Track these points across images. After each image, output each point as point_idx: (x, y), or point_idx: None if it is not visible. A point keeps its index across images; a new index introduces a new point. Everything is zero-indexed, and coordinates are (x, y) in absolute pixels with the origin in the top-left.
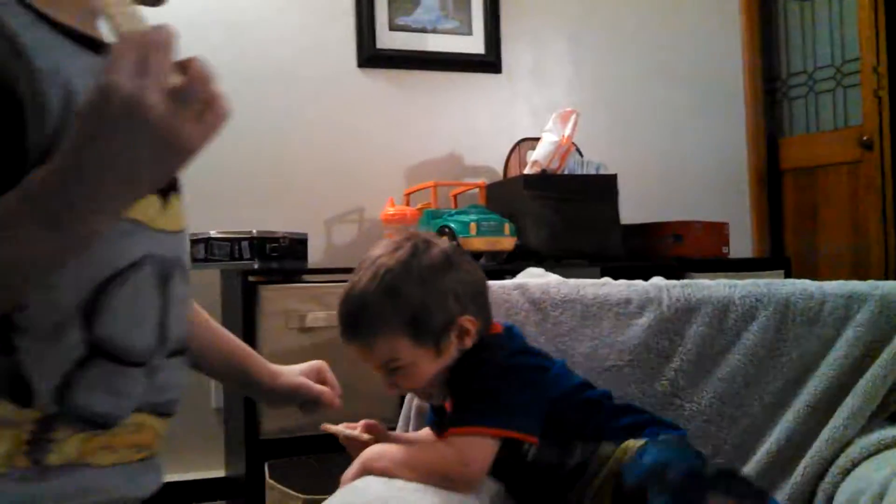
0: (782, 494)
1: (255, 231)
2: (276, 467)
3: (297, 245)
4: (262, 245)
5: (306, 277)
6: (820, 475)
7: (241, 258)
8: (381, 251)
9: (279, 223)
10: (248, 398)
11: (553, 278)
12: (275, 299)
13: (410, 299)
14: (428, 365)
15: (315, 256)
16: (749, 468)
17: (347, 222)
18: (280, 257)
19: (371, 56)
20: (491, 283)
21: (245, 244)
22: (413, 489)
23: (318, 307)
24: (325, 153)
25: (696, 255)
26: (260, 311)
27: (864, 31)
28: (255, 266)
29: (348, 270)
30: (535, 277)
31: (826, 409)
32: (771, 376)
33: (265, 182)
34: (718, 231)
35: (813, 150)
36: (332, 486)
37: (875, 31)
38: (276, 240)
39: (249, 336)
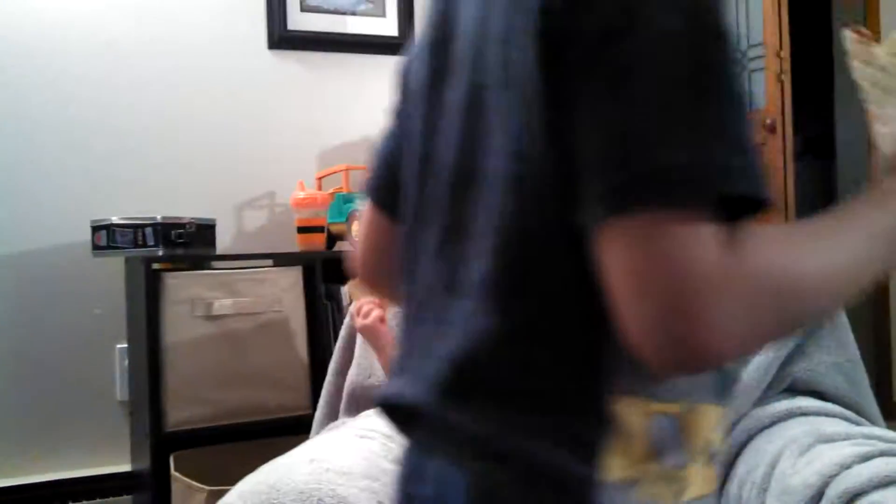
0: None
1: (159, 217)
2: (182, 459)
3: (205, 231)
4: (168, 231)
5: (214, 264)
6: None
7: (145, 245)
8: None
9: (186, 209)
10: (153, 389)
11: None
12: (180, 287)
13: None
14: None
15: (224, 242)
16: None
17: (258, 207)
18: (186, 244)
19: (282, 37)
20: None
21: (149, 230)
22: (340, 473)
23: (226, 294)
24: (234, 137)
25: None
26: (164, 299)
27: (767, 16)
28: (160, 253)
29: (259, 256)
30: None
31: (758, 385)
32: None
33: (171, 166)
34: None
35: None
36: (238, 477)
37: (778, 17)
38: (181, 225)
39: (153, 325)
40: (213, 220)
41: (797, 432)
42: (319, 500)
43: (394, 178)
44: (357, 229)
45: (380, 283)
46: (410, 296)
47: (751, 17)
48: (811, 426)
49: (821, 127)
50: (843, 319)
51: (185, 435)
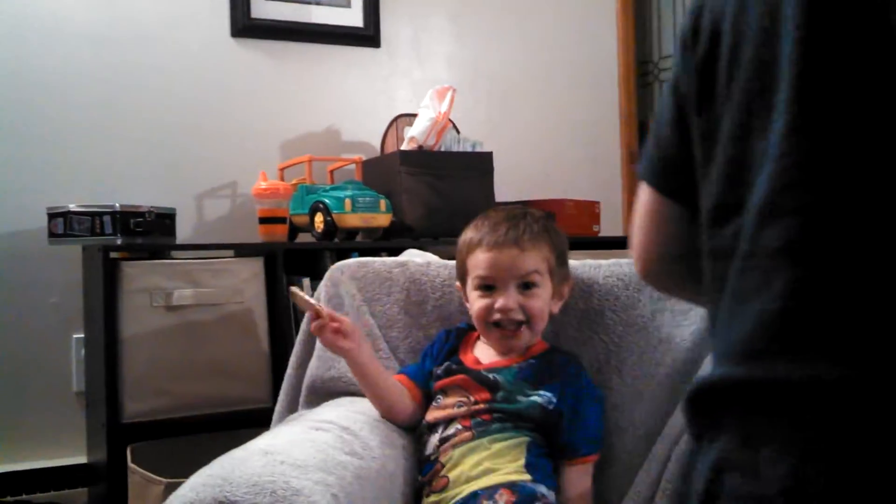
0: (646, 461)
1: (118, 205)
2: (139, 451)
3: (164, 220)
4: (126, 219)
5: (174, 254)
6: (676, 441)
7: (102, 233)
8: (513, 205)
9: (145, 197)
10: (110, 380)
11: (433, 259)
12: (139, 276)
13: (559, 239)
14: (546, 298)
15: (184, 232)
16: (616, 440)
17: (219, 197)
18: (145, 232)
19: (245, 26)
20: (372, 259)
21: (107, 218)
22: (294, 466)
23: (186, 285)
24: (195, 126)
25: (568, 234)
26: (122, 288)
27: None
28: (118, 241)
29: (219, 247)
30: (416, 258)
31: (682, 379)
32: (629, 352)
33: (130, 154)
34: (590, 210)
35: None
36: (196, 470)
37: None
38: (140, 214)
39: (110, 315)
40: (173, 210)
41: None
42: (273, 492)
43: (684, 164)
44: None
45: (664, 276)
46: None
47: None
48: None
49: None
50: None
51: (143, 427)
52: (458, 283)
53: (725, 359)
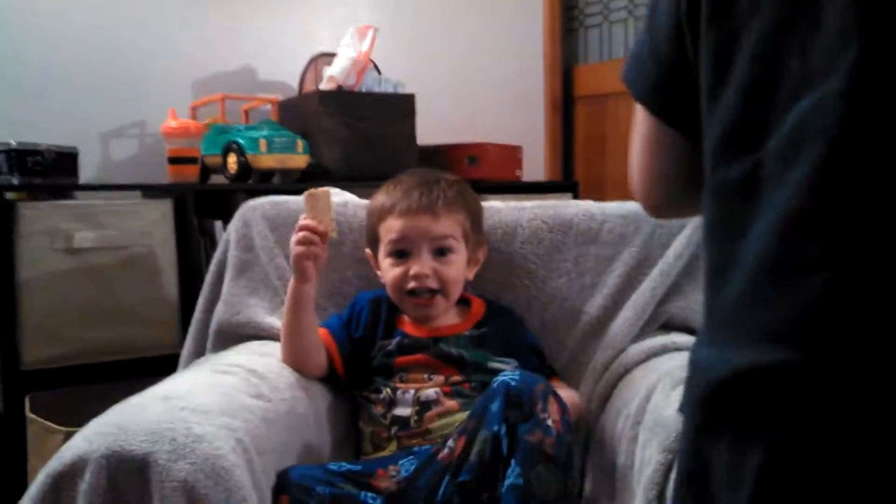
0: None
1: (14, 143)
2: (39, 400)
3: (66, 159)
4: (23, 158)
5: (77, 195)
6: (597, 380)
7: None
8: (425, 169)
9: (45, 135)
10: (7, 326)
11: (351, 199)
12: (37, 218)
13: (474, 204)
14: (461, 265)
15: (89, 172)
16: None
17: (126, 137)
18: (44, 172)
19: None
20: (286, 198)
21: (2, 157)
22: (196, 411)
23: (89, 227)
24: (101, 61)
25: (490, 178)
26: (19, 231)
27: None
28: (15, 182)
29: (125, 188)
30: (334, 196)
31: (604, 321)
32: (551, 296)
33: (29, 89)
34: (512, 154)
35: (604, 78)
36: None
37: None
38: (39, 153)
39: (7, 259)
40: (75, 149)
41: (670, 366)
42: (172, 439)
43: (686, 87)
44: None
45: (676, 213)
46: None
47: None
48: (684, 360)
49: None
50: None
51: (43, 375)
52: (367, 251)
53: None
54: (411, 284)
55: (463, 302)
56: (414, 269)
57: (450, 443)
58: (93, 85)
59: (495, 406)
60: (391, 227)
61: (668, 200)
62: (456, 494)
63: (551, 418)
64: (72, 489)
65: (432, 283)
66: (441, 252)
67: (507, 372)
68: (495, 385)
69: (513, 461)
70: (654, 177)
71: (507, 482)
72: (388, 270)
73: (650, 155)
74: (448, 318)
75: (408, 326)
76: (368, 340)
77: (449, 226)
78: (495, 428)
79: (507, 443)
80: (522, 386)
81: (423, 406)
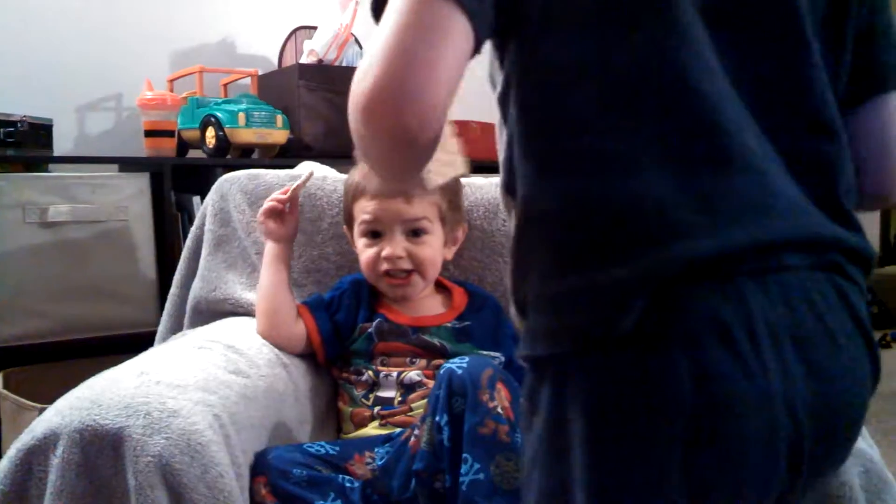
0: None
1: None
2: (13, 377)
3: (40, 131)
4: None
5: (51, 167)
6: None
7: None
8: None
9: (19, 106)
10: None
11: (331, 173)
12: (10, 191)
13: (452, 183)
14: (437, 245)
15: (64, 145)
16: None
17: (102, 109)
18: (18, 143)
19: None
20: (265, 171)
21: None
22: (172, 385)
23: (63, 200)
24: (77, 32)
25: (473, 156)
26: None
27: None
28: None
29: (101, 160)
30: (315, 170)
31: None
32: None
33: (3, 60)
34: (495, 132)
35: None
36: None
37: None
38: (13, 123)
39: None
40: (50, 120)
41: None
42: (147, 413)
43: None
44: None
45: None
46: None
47: None
48: None
49: None
50: None
51: (17, 351)
52: (344, 227)
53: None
54: (384, 266)
55: (443, 289)
56: (386, 251)
57: (416, 431)
58: (68, 55)
59: (441, 394)
60: (364, 208)
61: (441, 120)
62: (416, 483)
63: (500, 405)
64: (43, 464)
65: (405, 265)
66: (415, 233)
67: (456, 359)
68: (441, 372)
69: (468, 455)
70: (440, 81)
71: (468, 478)
72: (363, 251)
73: (437, 52)
74: (430, 305)
75: (388, 310)
76: (349, 322)
77: (422, 208)
78: (437, 417)
79: (451, 431)
80: (466, 374)
81: (408, 388)
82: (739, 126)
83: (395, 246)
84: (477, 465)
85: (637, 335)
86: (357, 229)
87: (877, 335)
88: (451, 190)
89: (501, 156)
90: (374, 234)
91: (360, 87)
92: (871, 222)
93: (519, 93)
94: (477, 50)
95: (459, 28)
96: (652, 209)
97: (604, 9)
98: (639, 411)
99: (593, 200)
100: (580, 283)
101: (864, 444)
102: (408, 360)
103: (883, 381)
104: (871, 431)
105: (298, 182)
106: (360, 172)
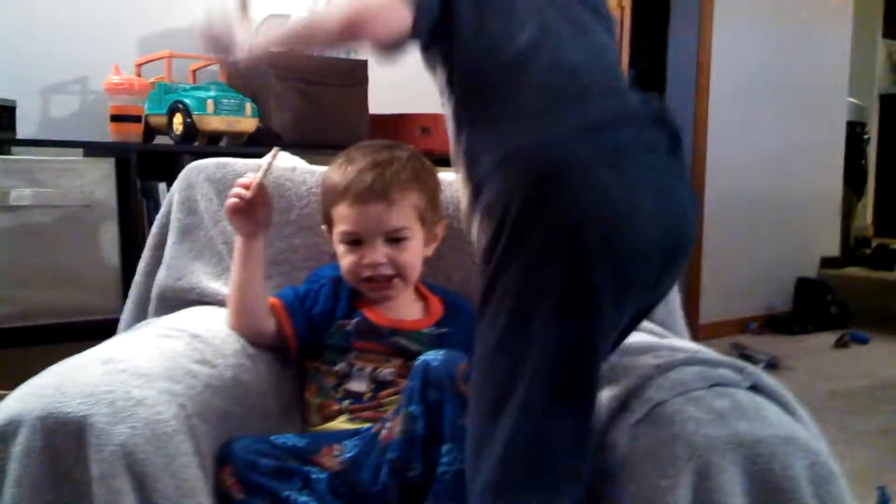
0: None
1: None
2: None
3: (3, 113)
4: None
5: (13, 150)
6: None
7: None
8: (379, 142)
9: None
10: None
11: (300, 164)
12: None
13: (430, 180)
14: (418, 248)
15: (27, 128)
16: None
17: (67, 92)
18: None
19: None
20: (233, 160)
21: None
22: (137, 374)
23: (26, 184)
24: (43, 12)
25: (442, 150)
26: None
27: None
28: None
29: (66, 144)
30: (281, 161)
31: None
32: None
33: None
34: None
35: None
36: None
37: None
38: None
39: None
40: (13, 102)
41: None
42: (111, 402)
43: None
44: None
45: None
46: None
47: None
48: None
49: (653, 59)
50: None
51: None
52: (323, 227)
53: None
54: (366, 273)
55: (421, 296)
56: (367, 259)
57: (388, 423)
58: (33, 36)
59: (415, 385)
60: (343, 216)
61: None
62: (388, 473)
63: None
64: (4, 451)
65: (387, 270)
66: (396, 240)
67: (431, 352)
68: (417, 363)
69: (452, 446)
70: None
71: (452, 468)
72: (343, 256)
73: None
74: (410, 308)
75: (368, 309)
76: (326, 318)
77: (403, 215)
78: (412, 407)
79: (426, 421)
80: (441, 366)
81: (379, 385)
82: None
83: (376, 253)
84: (462, 456)
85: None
86: (336, 235)
87: (835, 335)
88: (430, 187)
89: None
90: (354, 241)
91: None
92: (831, 227)
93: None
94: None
95: None
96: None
97: None
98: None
99: None
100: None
101: (810, 437)
102: (383, 358)
103: (841, 381)
104: (829, 429)
105: (261, 170)
106: (338, 172)
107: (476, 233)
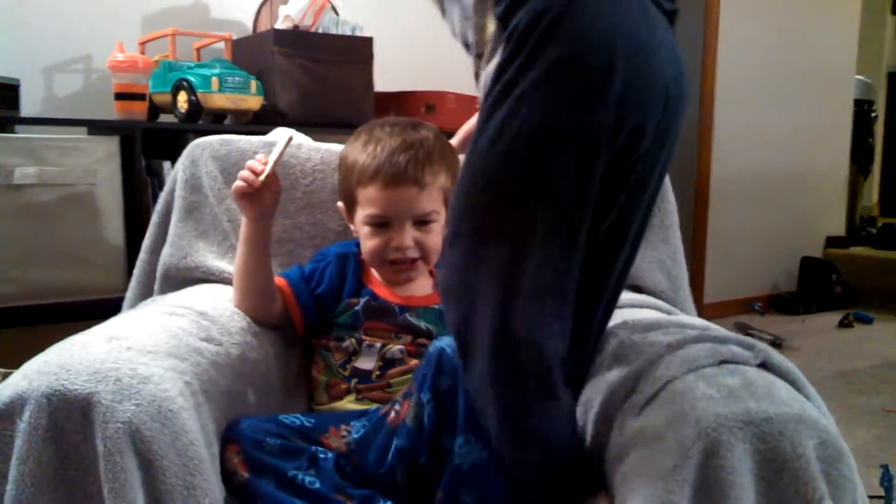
0: None
1: None
2: None
3: (6, 91)
4: None
5: (18, 129)
6: None
7: None
8: (402, 120)
9: None
10: None
11: (306, 141)
12: None
13: (452, 157)
14: (441, 229)
15: (31, 106)
16: None
17: (71, 71)
18: None
19: None
20: (238, 137)
21: None
22: (143, 351)
23: (30, 162)
24: None
25: (448, 128)
26: None
27: None
28: None
29: (70, 122)
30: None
31: None
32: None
33: None
34: (470, 104)
35: None
36: None
37: None
38: None
39: None
40: (17, 80)
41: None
42: (117, 380)
43: None
44: None
45: None
46: None
47: None
48: (623, 318)
49: None
50: (674, 218)
51: None
52: (340, 205)
53: None
54: (393, 255)
55: (429, 273)
56: (395, 242)
57: (396, 406)
58: (37, 15)
59: (427, 372)
60: (372, 198)
61: None
62: (397, 459)
63: None
64: (9, 429)
65: (414, 253)
66: (423, 223)
67: (446, 338)
68: (430, 350)
69: (469, 436)
70: None
71: (470, 458)
72: (367, 238)
73: None
74: (419, 285)
75: (377, 286)
76: (332, 297)
77: (433, 198)
78: (421, 395)
79: (434, 409)
80: (456, 353)
81: (388, 363)
82: None
83: (405, 237)
84: (479, 445)
85: None
86: (361, 215)
87: (839, 315)
88: (453, 166)
89: None
90: (381, 224)
91: None
92: (837, 206)
93: None
94: None
95: None
96: None
97: None
98: None
99: None
100: None
101: (820, 416)
102: (392, 335)
103: (844, 361)
104: (833, 408)
105: (276, 154)
106: (365, 153)
107: (484, 75)
